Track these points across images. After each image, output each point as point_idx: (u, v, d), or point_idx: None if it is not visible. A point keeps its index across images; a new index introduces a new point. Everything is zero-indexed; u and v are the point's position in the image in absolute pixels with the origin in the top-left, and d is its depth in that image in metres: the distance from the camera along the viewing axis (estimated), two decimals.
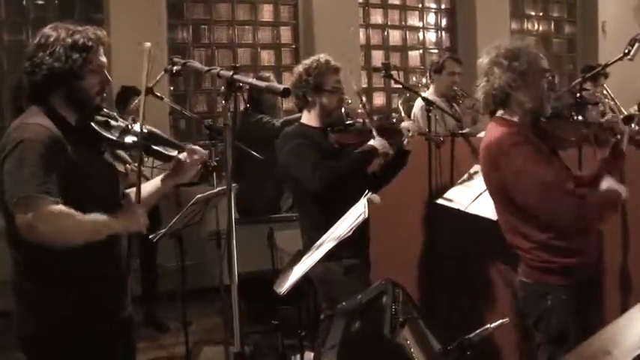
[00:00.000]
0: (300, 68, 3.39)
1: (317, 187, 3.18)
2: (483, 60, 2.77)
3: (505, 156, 2.64)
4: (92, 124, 2.33)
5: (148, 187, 2.57)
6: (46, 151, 2.10)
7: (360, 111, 3.55)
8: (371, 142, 3.27)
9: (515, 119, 2.73)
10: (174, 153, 2.54)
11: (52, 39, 2.23)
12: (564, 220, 2.60)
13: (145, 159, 3.34)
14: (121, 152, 3.77)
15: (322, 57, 3.39)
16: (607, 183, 2.70)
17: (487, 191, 3.30)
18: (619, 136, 2.78)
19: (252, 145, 4.38)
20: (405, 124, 3.47)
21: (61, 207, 2.07)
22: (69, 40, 2.23)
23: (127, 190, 2.49)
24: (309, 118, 3.43)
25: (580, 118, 2.77)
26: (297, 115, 4.00)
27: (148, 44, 2.26)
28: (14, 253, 2.24)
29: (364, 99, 3.57)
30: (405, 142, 3.42)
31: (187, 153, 2.53)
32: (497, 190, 2.75)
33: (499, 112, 2.78)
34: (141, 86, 2.37)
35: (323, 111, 3.37)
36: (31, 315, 2.23)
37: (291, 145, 3.30)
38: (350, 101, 3.59)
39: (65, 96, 2.26)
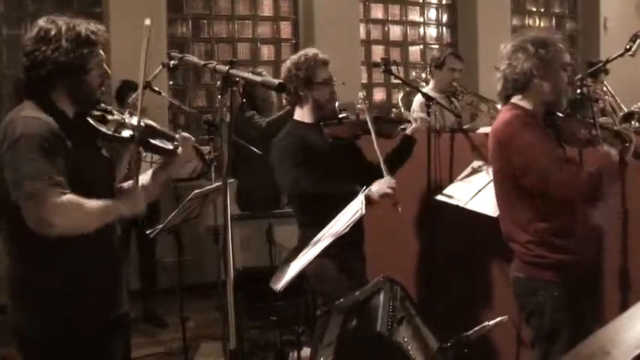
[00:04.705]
0: (288, 64, 3.36)
1: (292, 190, 3.25)
2: (506, 46, 2.73)
3: (514, 133, 2.62)
4: (88, 118, 2.29)
5: (142, 180, 2.54)
6: (47, 144, 2.07)
7: (359, 106, 3.51)
8: (374, 187, 3.08)
9: (530, 107, 2.70)
10: (172, 146, 2.51)
11: (53, 32, 2.16)
12: (568, 192, 2.58)
13: (144, 154, 3.32)
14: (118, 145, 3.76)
15: (310, 51, 3.38)
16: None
17: (487, 186, 3.31)
18: (627, 145, 2.77)
19: (246, 139, 4.37)
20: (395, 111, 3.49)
21: (70, 196, 2.06)
22: (72, 34, 2.17)
23: (122, 184, 2.48)
24: (302, 114, 3.40)
25: (585, 115, 2.75)
26: (282, 112, 4.04)
27: (148, 21, 2.14)
28: (10, 250, 2.22)
29: (363, 94, 3.53)
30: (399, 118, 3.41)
31: (180, 141, 2.51)
32: (503, 172, 2.71)
33: (515, 98, 2.74)
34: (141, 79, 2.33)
35: (316, 105, 3.34)
36: (26, 315, 2.20)
37: (282, 144, 3.30)
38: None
39: (67, 90, 2.21)
